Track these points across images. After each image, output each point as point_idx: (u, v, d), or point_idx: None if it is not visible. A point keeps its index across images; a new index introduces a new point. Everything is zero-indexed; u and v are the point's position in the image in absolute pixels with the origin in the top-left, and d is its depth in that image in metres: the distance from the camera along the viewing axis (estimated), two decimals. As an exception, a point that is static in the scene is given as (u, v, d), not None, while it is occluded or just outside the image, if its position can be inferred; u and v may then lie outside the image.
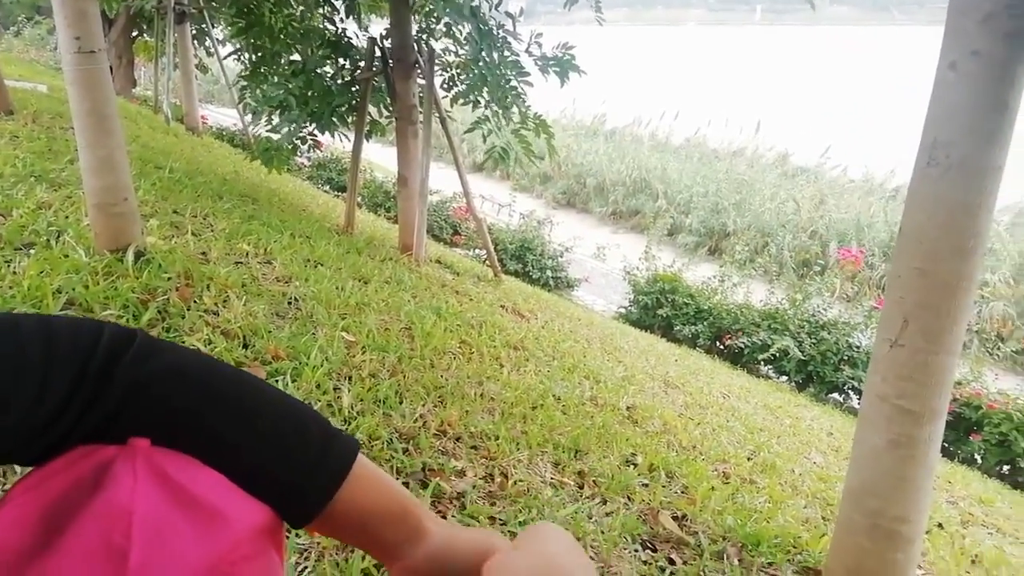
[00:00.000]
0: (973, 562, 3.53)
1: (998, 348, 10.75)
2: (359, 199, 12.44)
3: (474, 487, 2.09)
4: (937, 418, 1.94)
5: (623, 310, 10.70)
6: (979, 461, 7.49)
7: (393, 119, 5.67)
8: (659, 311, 9.95)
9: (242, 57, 5.78)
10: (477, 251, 11.00)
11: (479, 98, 5.03)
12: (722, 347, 9.33)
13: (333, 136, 5.79)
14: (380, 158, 15.55)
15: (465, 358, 3.26)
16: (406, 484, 1.99)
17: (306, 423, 0.65)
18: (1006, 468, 7.33)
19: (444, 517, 1.91)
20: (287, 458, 0.62)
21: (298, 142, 5.61)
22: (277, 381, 2.24)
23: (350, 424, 2.16)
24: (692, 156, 24.60)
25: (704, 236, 18.56)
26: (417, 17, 5.49)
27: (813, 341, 8.54)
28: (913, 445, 1.93)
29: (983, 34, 1.72)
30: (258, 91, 5.51)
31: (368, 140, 6.07)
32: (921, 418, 1.92)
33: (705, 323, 9.54)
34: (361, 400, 2.35)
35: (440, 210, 12.51)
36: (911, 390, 1.91)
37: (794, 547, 2.45)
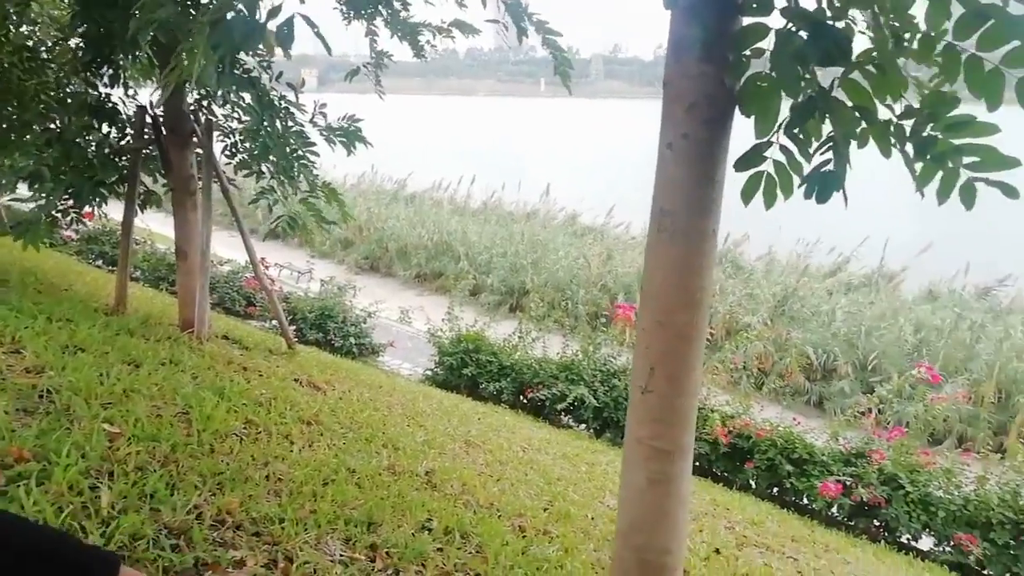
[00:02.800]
0: (744, 581, 3.90)
1: (762, 382, 12.08)
2: (137, 273, 11.52)
3: (254, 577, 1.99)
4: (686, 454, 2.17)
5: (429, 372, 10.74)
6: (753, 486, 8.31)
7: (169, 190, 5.37)
8: (464, 370, 10.11)
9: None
10: (273, 322, 10.55)
11: (262, 168, 4.93)
12: (525, 401, 9.64)
13: (99, 208, 5.36)
14: (163, 228, 14.52)
15: (250, 439, 3.11)
16: (174, 584, 1.86)
17: (55, 554, 0.61)
18: (775, 490, 8.19)
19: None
20: None
21: (58, 215, 5.13)
22: (19, 487, 2.00)
23: (109, 526, 1.97)
24: (490, 219, 25.68)
25: (505, 295, 19.27)
26: (192, 85, 5.30)
27: (606, 389, 9.09)
28: (668, 481, 2.14)
29: (690, 120, 2.01)
30: (6, 161, 4.98)
31: (143, 212, 5.69)
32: (673, 455, 2.14)
33: (508, 379, 9.83)
34: (124, 497, 2.16)
35: (232, 281, 11.89)
36: (662, 431, 2.13)
37: (581, 591, 2.58)
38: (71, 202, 5.02)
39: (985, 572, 6.71)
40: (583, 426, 9.27)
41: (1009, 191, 1.71)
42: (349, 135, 5.11)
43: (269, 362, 5.15)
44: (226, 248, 13.16)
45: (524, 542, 2.99)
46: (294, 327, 11.13)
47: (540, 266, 19.82)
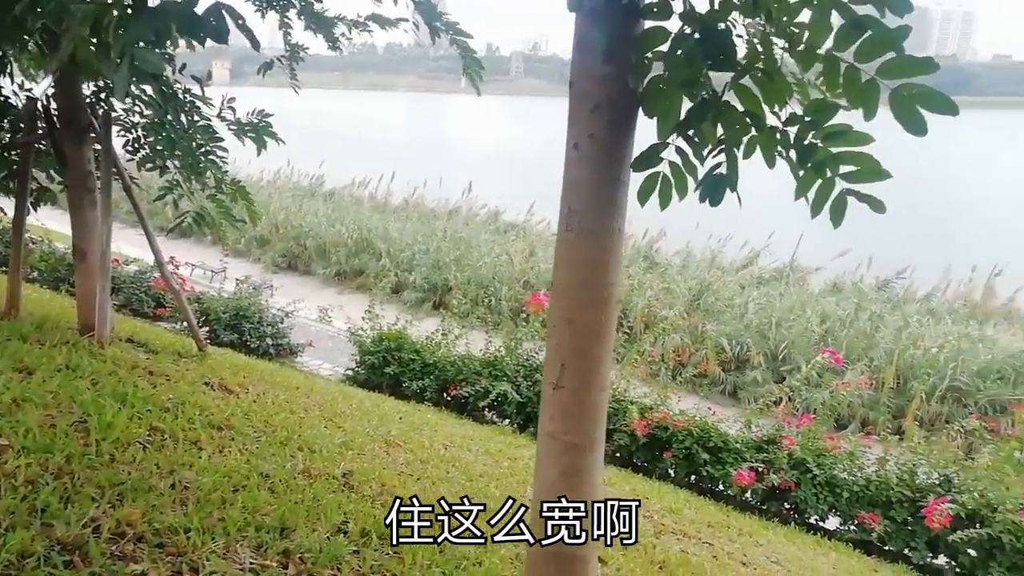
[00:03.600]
0: (661, 568, 4.01)
1: (679, 374, 12.41)
2: (34, 274, 10.86)
3: (156, 590, 1.91)
4: (597, 447, 2.21)
5: (350, 372, 10.57)
6: (672, 475, 8.54)
7: (66, 186, 5.08)
8: (386, 369, 9.99)
9: None
10: (184, 324, 10.15)
11: (166, 163, 4.73)
12: (448, 398, 9.61)
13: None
14: (61, 226, 13.73)
15: (155, 447, 2.99)
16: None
17: None
18: (693, 478, 8.44)
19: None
20: None
21: (-60, 214, 4.79)
22: None
23: (-7, 545, 1.86)
24: (412, 216, 25.47)
25: (428, 292, 19.17)
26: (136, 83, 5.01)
27: (529, 384, 9.16)
28: (580, 474, 2.18)
29: (595, 121, 2.05)
30: None
31: (36, 210, 5.38)
32: (584, 449, 2.18)
33: (431, 376, 9.77)
34: (12, 513, 2.04)
35: (139, 281, 11.38)
36: (573, 426, 2.17)
37: (498, 586, 2.60)
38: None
39: (886, 548, 7.11)
40: (506, 421, 9.31)
41: (876, 205, 1.81)
42: (259, 131, 4.96)
43: (178, 365, 4.95)
44: (133, 247, 12.58)
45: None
46: (207, 328, 10.74)
47: (463, 263, 19.80)
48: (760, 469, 7.68)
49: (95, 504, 2.25)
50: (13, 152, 4.87)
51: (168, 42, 4.73)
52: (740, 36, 1.88)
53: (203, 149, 4.72)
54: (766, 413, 9.17)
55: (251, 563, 2.27)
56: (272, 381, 5.90)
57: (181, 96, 4.72)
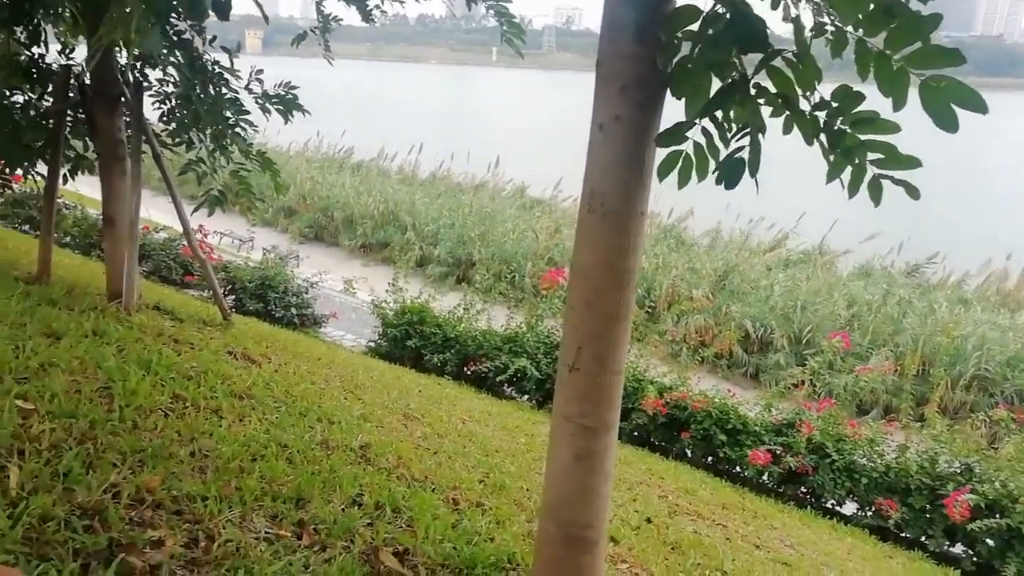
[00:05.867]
0: (673, 549, 4.01)
1: (700, 354, 12.33)
2: (67, 240, 11.07)
3: (172, 556, 1.95)
4: (611, 431, 2.21)
5: (372, 344, 10.67)
6: (689, 455, 8.54)
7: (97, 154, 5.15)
8: (408, 342, 10.07)
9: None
10: (211, 292, 10.30)
11: (194, 137, 4.75)
12: (468, 372, 9.67)
13: (29, 172, 5.13)
14: (95, 192, 13.94)
15: (177, 414, 3.03)
16: (86, 566, 1.81)
17: None
18: (710, 459, 8.44)
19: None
20: None
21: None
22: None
23: (17, 507, 1.90)
24: (438, 189, 25.47)
25: (452, 266, 19.22)
26: (132, 50, 5.04)
27: (549, 360, 9.17)
28: (593, 457, 2.18)
29: (622, 101, 2.00)
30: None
31: (73, 177, 5.46)
32: (598, 432, 2.18)
33: (452, 351, 9.83)
34: (35, 477, 2.09)
35: (168, 249, 11.55)
36: (588, 409, 2.16)
37: (509, 563, 2.62)
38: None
39: (903, 535, 7.07)
40: (525, 397, 9.35)
41: (911, 191, 1.76)
42: (286, 103, 4.95)
43: (202, 334, 5.02)
44: (164, 215, 12.76)
45: (456, 515, 3.01)
46: (233, 297, 10.90)
47: (488, 238, 19.80)
48: (778, 452, 7.65)
49: (116, 470, 2.30)
50: (48, 119, 4.93)
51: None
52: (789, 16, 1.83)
53: (230, 121, 4.73)
54: (787, 396, 9.09)
55: (266, 533, 2.31)
56: (295, 351, 5.97)
57: (209, 68, 4.73)
